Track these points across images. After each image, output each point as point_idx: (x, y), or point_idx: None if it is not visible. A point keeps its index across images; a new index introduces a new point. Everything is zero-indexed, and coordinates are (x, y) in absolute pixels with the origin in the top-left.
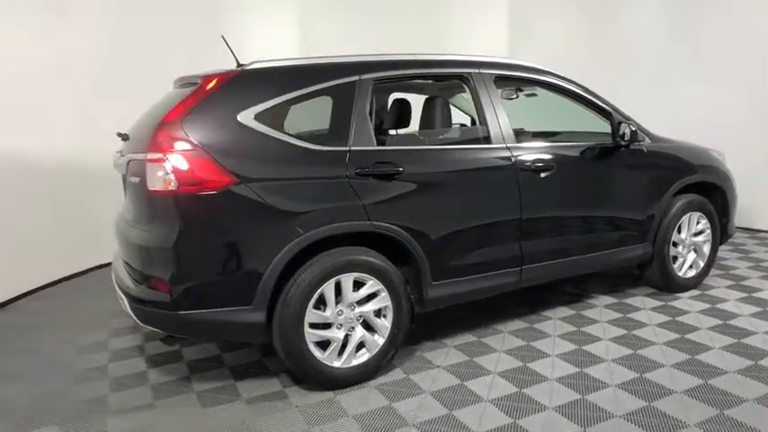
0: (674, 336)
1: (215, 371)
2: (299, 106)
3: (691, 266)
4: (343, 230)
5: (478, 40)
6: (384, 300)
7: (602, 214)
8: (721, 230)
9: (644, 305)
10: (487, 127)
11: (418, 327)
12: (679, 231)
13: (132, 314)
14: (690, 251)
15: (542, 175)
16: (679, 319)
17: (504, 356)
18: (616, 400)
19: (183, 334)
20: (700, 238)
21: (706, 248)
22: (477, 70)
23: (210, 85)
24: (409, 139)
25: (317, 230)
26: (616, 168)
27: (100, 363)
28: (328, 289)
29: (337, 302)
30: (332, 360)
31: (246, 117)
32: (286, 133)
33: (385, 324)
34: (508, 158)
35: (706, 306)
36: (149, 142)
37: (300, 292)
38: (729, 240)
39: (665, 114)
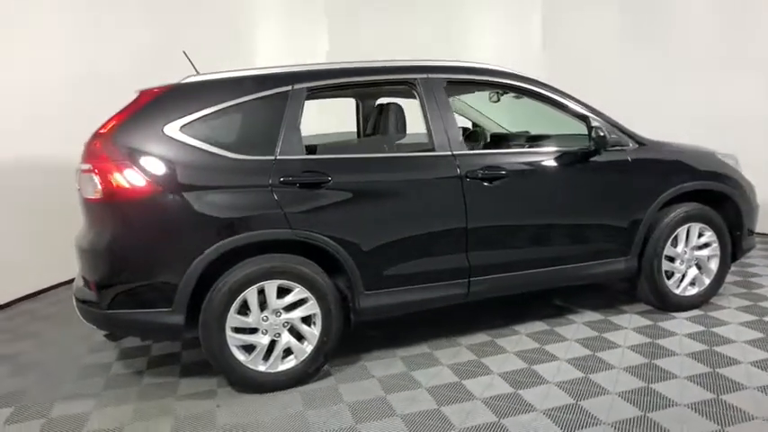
0: (641, 360)
1: (168, 367)
2: (237, 116)
3: (693, 283)
4: (260, 238)
5: (511, 40)
6: (312, 307)
7: (569, 225)
8: (735, 244)
9: (629, 324)
10: (432, 134)
11: (374, 334)
12: (675, 244)
13: (77, 311)
14: (690, 266)
15: (493, 183)
16: (659, 341)
17: (444, 371)
18: (534, 427)
19: (112, 331)
20: (704, 253)
21: (713, 264)
22: (424, 75)
23: (143, 98)
24: (349, 146)
25: (233, 238)
26: (587, 176)
27: (78, 352)
28: (251, 295)
29: (265, 308)
30: (256, 364)
31: (172, 129)
32: (211, 143)
33: (313, 332)
34: (452, 166)
35: (699, 329)
36: (84, 152)
37: (221, 297)
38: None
39: (712, 111)
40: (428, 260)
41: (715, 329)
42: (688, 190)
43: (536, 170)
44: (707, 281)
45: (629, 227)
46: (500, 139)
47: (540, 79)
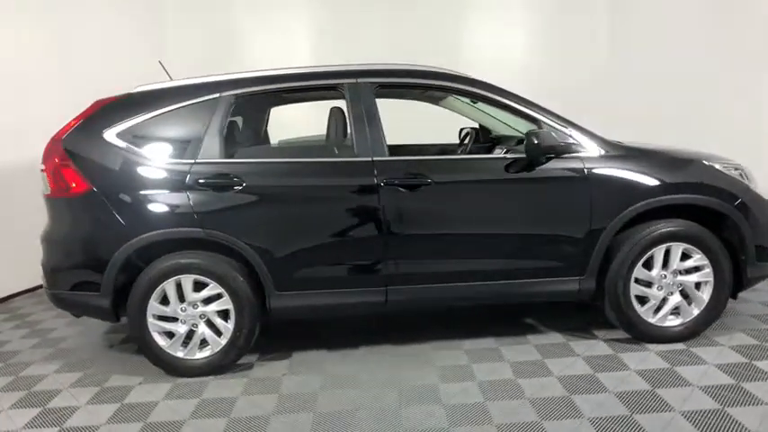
0: (560, 393)
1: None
2: (168, 123)
3: (677, 313)
4: (173, 236)
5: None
6: (226, 302)
7: (504, 239)
8: (738, 270)
9: (584, 352)
10: (354, 139)
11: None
12: (651, 266)
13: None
14: (672, 293)
15: (415, 190)
16: (600, 375)
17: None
18: None
19: (60, 308)
20: (691, 278)
21: (705, 292)
22: (353, 80)
23: (94, 107)
24: (272, 151)
25: (148, 235)
26: (526, 185)
27: (90, 325)
28: (169, 286)
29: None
30: (175, 350)
31: (110, 134)
32: (141, 147)
33: (228, 326)
34: (369, 172)
35: (660, 366)
36: (42, 154)
37: (142, 286)
38: None
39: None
40: (342, 265)
41: (680, 368)
42: (660, 205)
43: (466, 177)
44: (695, 311)
45: (583, 244)
46: (499, 142)
47: (483, 80)
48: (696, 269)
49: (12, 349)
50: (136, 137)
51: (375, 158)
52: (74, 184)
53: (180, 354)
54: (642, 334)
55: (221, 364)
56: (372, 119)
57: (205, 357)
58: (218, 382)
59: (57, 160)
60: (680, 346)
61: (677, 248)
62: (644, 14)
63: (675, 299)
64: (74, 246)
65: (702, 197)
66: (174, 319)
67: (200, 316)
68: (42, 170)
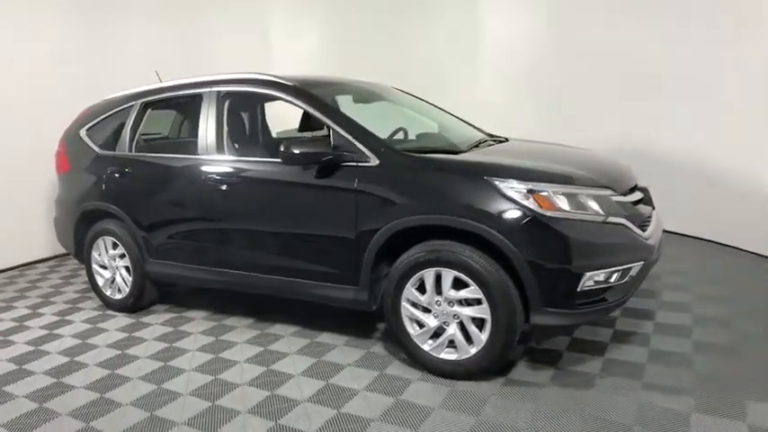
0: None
1: None
2: (108, 123)
3: (453, 346)
4: (93, 207)
5: None
6: (127, 261)
7: (284, 239)
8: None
9: (346, 360)
10: (196, 139)
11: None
12: (423, 290)
13: None
14: (449, 323)
15: (226, 188)
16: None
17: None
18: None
19: (63, 248)
20: (466, 311)
21: (485, 330)
22: (208, 89)
23: (84, 111)
24: (155, 147)
25: (82, 205)
26: (305, 190)
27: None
28: (101, 243)
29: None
30: (106, 290)
31: (83, 132)
32: (93, 142)
33: (129, 278)
34: (198, 169)
35: (384, 402)
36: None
37: (87, 241)
38: None
39: None
40: (187, 244)
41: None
42: (406, 226)
43: (255, 178)
44: (473, 350)
45: (352, 255)
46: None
47: (294, 85)
48: (479, 301)
49: None
50: (93, 134)
51: (208, 157)
52: (65, 166)
53: (108, 292)
54: (420, 361)
55: (126, 305)
56: (212, 121)
57: (119, 299)
58: (120, 318)
59: (59, 149)
60: (443, 383)
61: (448, 274)
62: None
63: (450, 330)
64: (62, 208)
65: (444, 217)
66: (105, 267)
67: (116, 268)
68: (55, 155)
